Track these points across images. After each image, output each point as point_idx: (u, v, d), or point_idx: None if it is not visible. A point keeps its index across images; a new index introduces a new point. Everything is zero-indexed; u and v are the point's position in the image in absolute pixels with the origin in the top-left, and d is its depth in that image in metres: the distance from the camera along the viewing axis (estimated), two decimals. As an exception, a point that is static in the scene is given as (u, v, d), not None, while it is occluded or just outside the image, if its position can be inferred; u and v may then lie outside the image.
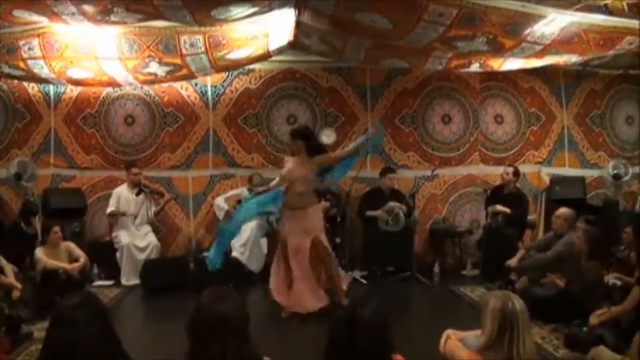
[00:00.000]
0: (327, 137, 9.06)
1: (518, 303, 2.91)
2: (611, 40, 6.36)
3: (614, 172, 9.29)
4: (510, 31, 6.12)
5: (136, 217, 8.23)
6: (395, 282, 8.24)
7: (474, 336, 3.20)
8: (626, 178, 9.26)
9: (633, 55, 7.97)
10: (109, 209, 8.21)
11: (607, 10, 5.19)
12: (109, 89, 8.76)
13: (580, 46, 6.61)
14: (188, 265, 8.06)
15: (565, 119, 9.78)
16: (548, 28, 6.03)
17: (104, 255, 8.15)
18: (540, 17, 5.75)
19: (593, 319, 5.14)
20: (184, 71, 7.76)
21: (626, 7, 5.05)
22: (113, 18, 5.83)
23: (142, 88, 8.81)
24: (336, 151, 7.31)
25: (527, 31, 6.13)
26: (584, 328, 5.09)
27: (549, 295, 6.10)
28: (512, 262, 7.01)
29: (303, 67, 9.18)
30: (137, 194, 8.21)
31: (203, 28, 6.67)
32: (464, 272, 8.70)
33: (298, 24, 7.23)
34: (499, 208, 8.17)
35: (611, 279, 6.13)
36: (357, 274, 8.32)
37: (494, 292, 3.20)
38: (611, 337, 4.71)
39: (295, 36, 7.80)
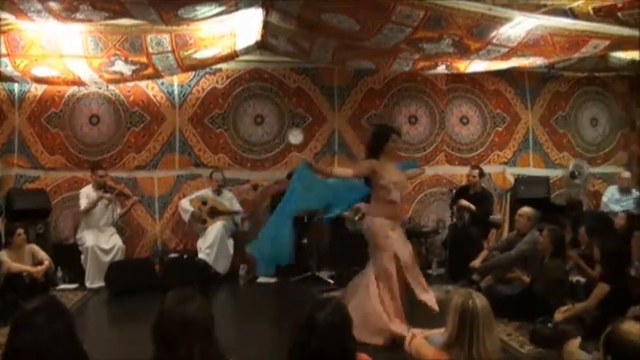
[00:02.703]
0: (295, 138, 9.07)
1: (479, 301, 2.92)
2: (577, 43, 6.46)
3: (572, 170, 9.48)
4: (476, 33, 6.18)
5: (104, 214, 8.12)
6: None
7: (439, 334, 3.22)
8: (581, 179, 9.44)
9: (598, 58, 8.14)
10: (83, 206, 8.05)
11: (573, 13, 5.27)
12: (74, 88, 8.63)
13: (546, 49, 6.70)
14: (154, 267, 7.97)
15: (530, 120, 9.93)
16: (514, 31, 6.10)
17: (69, 257, 8.00)
18: (506, 20, 5.81)
19: (558, 316, 5.23)
20: (150, 70, 7.68)
21: (591, 11, 5.13)
22: (79, 15, 5.75)
23: (107, 87, 8.69)
24: None
25: (493, 34, 6.20)
26: (549, 325, 5.17)
27: (514, 293, 6.20)
28: (476, 263, 7.09)
29: (270, 67, 9.16)
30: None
31: (170, 27, 6.60)
32: (430, 271, 8.74)
33: (266, 24, 7.21)
34: (464, 202, 8.25)
35: (576, 277, 6.26)
36: (324, 274, 8.34)
37: (458, 290, 3.23)
38: (575, 334, 4.79)
39: (263, 36, 7.78)
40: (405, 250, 5.58)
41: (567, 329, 4.96)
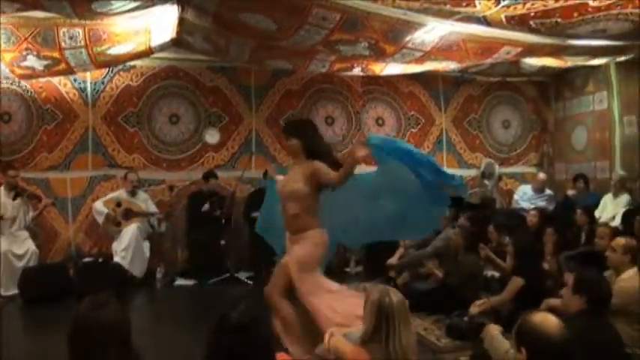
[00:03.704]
0: (211, 137, 9.00)
1: (395, 297, 2.98)
2: (489, 49, 6.68)
3: (482, 171, 9.81)
4: (392, 37, 6.30)
5: (14, 220, 7.71)
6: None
7: (358, 331, 3.26)
8: (491, 179, 9.75)
9: (510, 63, 8.45)
10: None
11: (486, 21, 5.43)
12: (-16, 83, 8.25)
13: (459, 54, 6.89)
14: (68, 272, 7.69)
15: (444, 122, 10.21)
16: (428, 36, 6.24)
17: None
18: (420, 25, 5.95)
19: (474, 309, 5.38)
20: (63, 66, 7.44)
21: (504, 19, 5.30)
22: (-10, 7, 5.54)
23: (19, 82, 8.34)
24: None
25: (407, 38, 6.33)
26: (465, 318, 5.33)
27: (430, 289, 6.36)
28: (393, 260, 7.23)
29: (186, 65, 9.05)
30: (14, 198, 7.71)
31: (83, 21, 6.41)
32: (347, 269, 8.89)
33: (181, 21, 7.13)
34: None
35: (490, 271, 6.48)
36: (242, 275, 8.31)
37: (375, 287, 3.28)
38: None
39: (178, 33, 7.69)
40: (276, 269, 4.76)
41: (483, 322, 5.11)
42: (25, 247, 7.69)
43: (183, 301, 7.60)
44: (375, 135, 5.94)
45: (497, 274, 6.57)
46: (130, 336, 2.39)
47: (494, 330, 3.65)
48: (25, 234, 7.84)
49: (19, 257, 7.58)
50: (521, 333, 2.60)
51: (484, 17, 5.32)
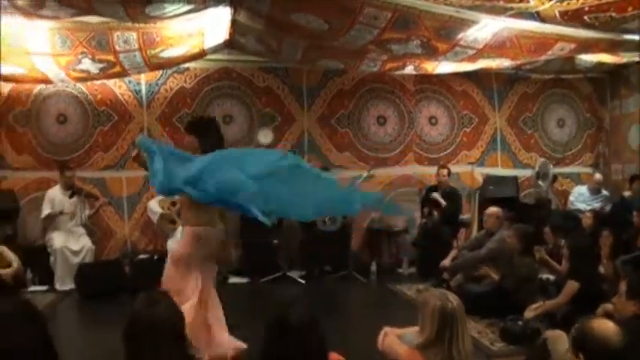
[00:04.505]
0: (265, 137, 9.04)
1: (456, 302, 2.97)
2: (543, 45, 6.55)
3: (537, 171, 9.63)
4: (444, 35, 6.23)
5: (73, 216, 7.96)
6: (333, 281, 8.29)
7: (412, 332, 3.23)
8: (545, 179, 9.55)
9: (565, 60, 8.27)
10: (45, 212, 7.87)
11: (539, 17, 5.33)
12: (41, 86, 8.44)
13: (512, 51, 6.78)
14: (123, 269, 7.86)
15: (497, 121, 10.05)
16: (480, 33, 6.16)
17: (38, 259, 7.82)
18: (473, 22, 5.88)
19: (529, 313, 5.30)
20: (117, 68, 7.59)
21: (557, 15, 5.19)
22: (45, 12, 5.67)
23: (74, 85, 8.55)
24: None
25: (460, 36, 6.26)
26: (519, 322, 5.23)
27: (484, 291, 6.26)
28: (446, 262, 7.15)
29: (239, 66, 9.11)
30: (70, 196, 7.91)
31: (137, 25, 6.54)
32: (400, 270, 8.86)
33: (234, 23, 7.19)
34: (435, 195, 8.32)
35: (546, 274, 6.35)
36: (295, 274, 8.34)
37: (432, 291, 3.25)
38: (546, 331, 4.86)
39: (231, 35, 7.76)
40: None
41: (538, 326, 5.02)
42: (81, 243, 7.90)
43: (237, 299, 7.64)
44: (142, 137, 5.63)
45: (552, 277, 6.44)
46: (183, 333, 2.42)
47: (558, 334, 3.58)
48: (82, 230, 8.07)
49: (75, 253, 7.78)
50: (578, 338, 2.55)
51: (537, 13, 5.22)
